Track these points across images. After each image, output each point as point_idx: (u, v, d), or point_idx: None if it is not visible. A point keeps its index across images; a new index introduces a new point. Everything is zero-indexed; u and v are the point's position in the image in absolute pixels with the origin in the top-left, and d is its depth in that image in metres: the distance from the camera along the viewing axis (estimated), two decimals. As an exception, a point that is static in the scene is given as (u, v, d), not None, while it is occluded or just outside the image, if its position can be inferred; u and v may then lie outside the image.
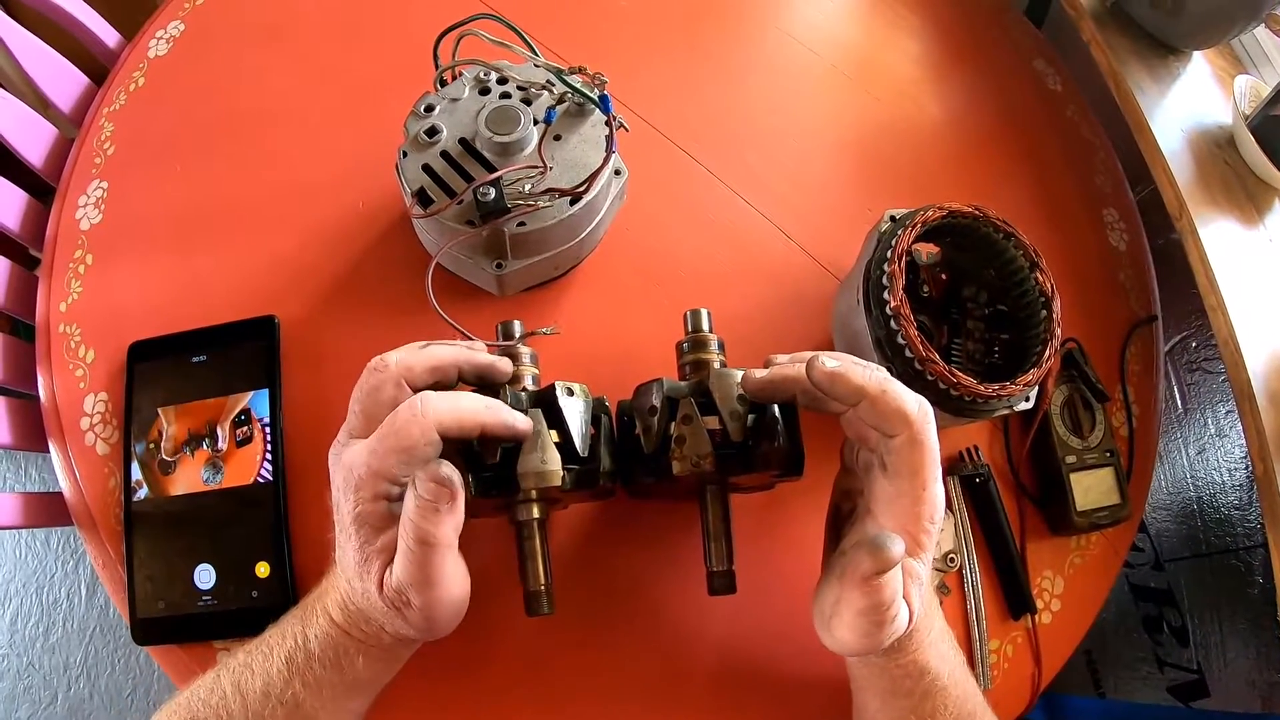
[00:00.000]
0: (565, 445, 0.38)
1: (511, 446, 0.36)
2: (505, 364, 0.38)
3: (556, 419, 0.38)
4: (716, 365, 0.43)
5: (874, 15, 0.72)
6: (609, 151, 0.45)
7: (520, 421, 0.35)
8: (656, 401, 0.39)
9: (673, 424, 0.38)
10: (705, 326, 0.45)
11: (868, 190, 0.63)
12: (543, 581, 0.39)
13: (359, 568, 0.33)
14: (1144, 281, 0.64)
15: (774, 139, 0.63)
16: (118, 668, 1.13)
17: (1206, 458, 0.68)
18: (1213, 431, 0.67)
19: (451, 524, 0.32)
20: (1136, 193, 0.68)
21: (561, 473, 0.37)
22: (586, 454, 0.38)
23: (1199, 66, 0.67)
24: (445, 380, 0.36)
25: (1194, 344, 0.68)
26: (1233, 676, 0.64)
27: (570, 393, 0.38)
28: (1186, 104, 0.64)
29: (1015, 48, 0.74)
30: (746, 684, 0.47)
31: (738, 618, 0.47)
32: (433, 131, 0.47)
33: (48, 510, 0.53)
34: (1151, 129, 0.59)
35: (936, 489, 0.34)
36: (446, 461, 0.33)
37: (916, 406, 0.34)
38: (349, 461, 0.33)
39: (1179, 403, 0.70)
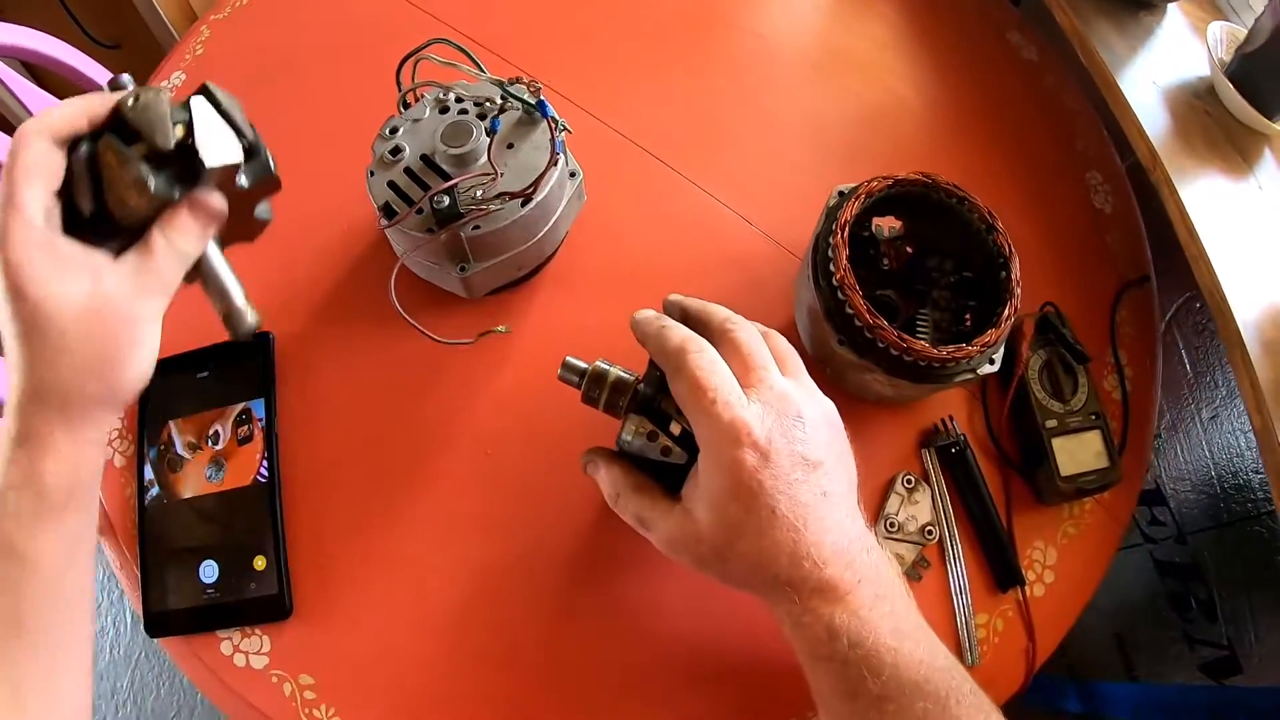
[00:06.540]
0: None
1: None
2: (109, 97, 0.36)
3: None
4: None
5: (841, 2, 0.73)
6: (554, 154, 0.48)
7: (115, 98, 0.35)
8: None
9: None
10: None
11: (840, 175, 0.63)
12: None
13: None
14: (1134, 244, 0.63)
15: (739, 129, 0.65)
16: (162, 691, 1.20)
17: (1220, 422, 0.64)
18: (1224, 394, 0.64)
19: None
20: (1129, 157, 0.67)
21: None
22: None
23: (1175, 20, 0.65)
24: (78, 132, 0.35)
25: (1198, 304, 0.65)
26: (1264, 651, 0.60)
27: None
28: (1162, 59, 0.62)
29: (988, 23, 0.73)
30: (714, 670, 0.47)
31: (698, 608, 0.48)
32: (396, 151, 0.50)
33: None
34: (1119, 84, 0.58)
35: (720, 413, 0.35)
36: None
37: (675, 344, 0.38)
38: None
39: (1188, 368, 0.67)
